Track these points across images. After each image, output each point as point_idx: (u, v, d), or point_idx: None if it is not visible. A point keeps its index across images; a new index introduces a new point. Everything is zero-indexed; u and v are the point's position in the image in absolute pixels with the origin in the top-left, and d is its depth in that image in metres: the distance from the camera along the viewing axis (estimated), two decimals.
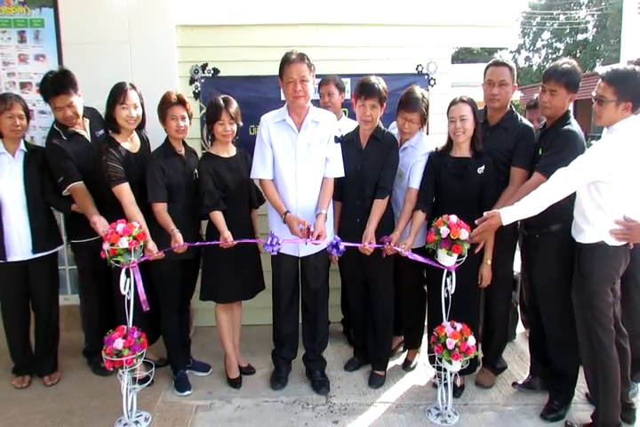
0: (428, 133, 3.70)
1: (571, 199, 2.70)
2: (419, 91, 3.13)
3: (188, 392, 3.19)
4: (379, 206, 3.06)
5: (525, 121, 3.12)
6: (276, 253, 2.93)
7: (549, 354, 3.04)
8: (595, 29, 30.07)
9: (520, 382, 3.23)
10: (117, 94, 3.01)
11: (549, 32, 31.98)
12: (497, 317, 3.25)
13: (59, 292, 3.43)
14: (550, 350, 3.03)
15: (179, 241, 2.91)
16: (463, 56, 26.26)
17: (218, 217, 3.00)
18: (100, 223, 2.93)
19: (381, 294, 3.26)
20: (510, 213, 2.66)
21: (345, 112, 3.95)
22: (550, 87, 2.81)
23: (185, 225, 3.04)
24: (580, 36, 30.90)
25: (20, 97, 3.16)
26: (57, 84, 3.12)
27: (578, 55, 29.14)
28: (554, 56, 30.93)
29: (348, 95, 3.90)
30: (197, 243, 3.01)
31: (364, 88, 3.03)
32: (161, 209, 2.99)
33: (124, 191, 2.97)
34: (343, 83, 3.66)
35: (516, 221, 3.06)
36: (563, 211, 2.74)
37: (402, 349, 3.70)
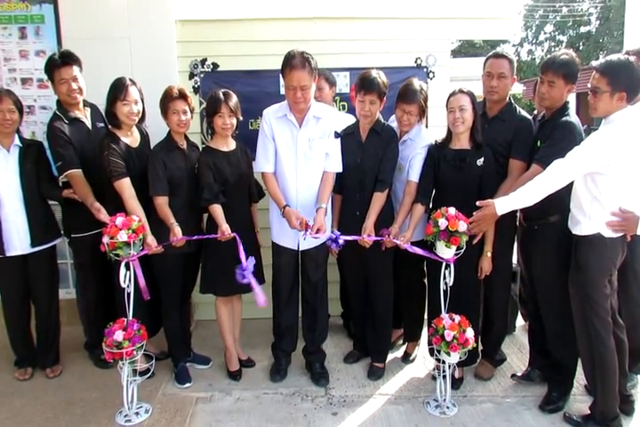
0: (427, 126, 3.69)
1: (569, 190, 2.69)
2: (417, 83, 3.13)
3: (188, 384, 3.21)
4: (378, 199, 3.07)
5: (524, 113, 3.11)
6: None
7: (548, 346, 3.05)
8: (598, 22, 29.80)
9: (519, 374, 3.23)
10: (118, 90, 3.02)
11: (552, 25, 31.73)
12: (496, 309, 3.26)
13: (58, 285, 3.45)
14: (549, 341, 3.03)
15: (177, 234, 2.93)
16: (465, 50, 26.18)
17: (217, 210, 3.01)
18: (102, 210, 2.96)
19: (381, 288, 3.27)
20: (505, 203, 2.66)
21: (344, 106, 3.96)
22: (548, 78, 2.81)
23: (186, 219, 3.05)
24: (583, 29, 30.62)
25: (10, 91, 3.18)
26: (63, 57, 3.23)
27: (581, 48, 28.92)
28: (556, 49, 30.65)
29: (346, 89, 3.91)
30: (195, 236, 3.02)
31: (364, 83, 3.03)
32: (162, 202, 3.01)
33: (125, 186, 2.98)
34: (333, 77, 3.65)
35: (515, 213, 3.07)
36: (562, 202, 2.73)
37: (401, 341, 3.71)
